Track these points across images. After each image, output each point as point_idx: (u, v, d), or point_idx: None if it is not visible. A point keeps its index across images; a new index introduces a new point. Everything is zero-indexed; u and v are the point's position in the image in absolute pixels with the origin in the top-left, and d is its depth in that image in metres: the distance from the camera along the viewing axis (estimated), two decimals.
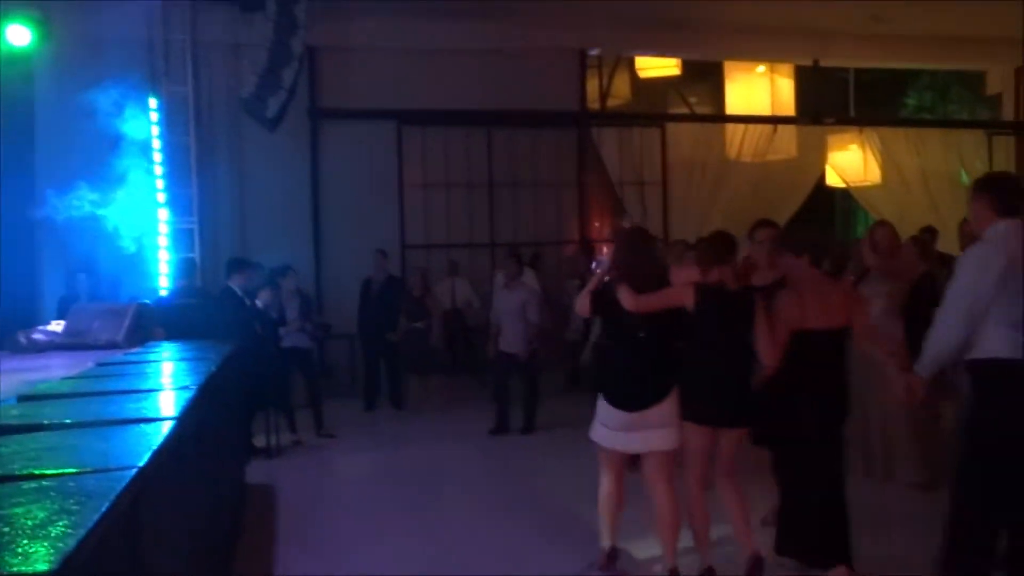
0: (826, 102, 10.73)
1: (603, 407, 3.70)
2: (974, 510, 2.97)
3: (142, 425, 2.03)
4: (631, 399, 3.63)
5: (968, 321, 3.07)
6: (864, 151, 10.54)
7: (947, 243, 9.78)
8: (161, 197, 7.93)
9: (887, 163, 10.72)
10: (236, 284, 6.67)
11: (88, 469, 1.51)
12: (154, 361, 4.13)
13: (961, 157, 11.26)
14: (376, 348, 8.47)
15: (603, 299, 3.71)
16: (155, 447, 1.70)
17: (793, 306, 3.56)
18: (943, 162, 11.13)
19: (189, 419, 2.31)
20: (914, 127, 11.43)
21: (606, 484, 3.82)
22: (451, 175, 9.64)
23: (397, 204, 9.47)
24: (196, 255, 8.24)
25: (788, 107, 10.39)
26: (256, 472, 5.76)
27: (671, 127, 10.39)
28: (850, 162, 10.65)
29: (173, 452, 1.95)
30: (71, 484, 1.39)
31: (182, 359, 4.11)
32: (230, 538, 4.05)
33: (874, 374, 4.23)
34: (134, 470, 1.49)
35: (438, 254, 9.50)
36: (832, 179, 10.93)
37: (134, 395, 2.62)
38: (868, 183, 10.68)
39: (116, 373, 3.42)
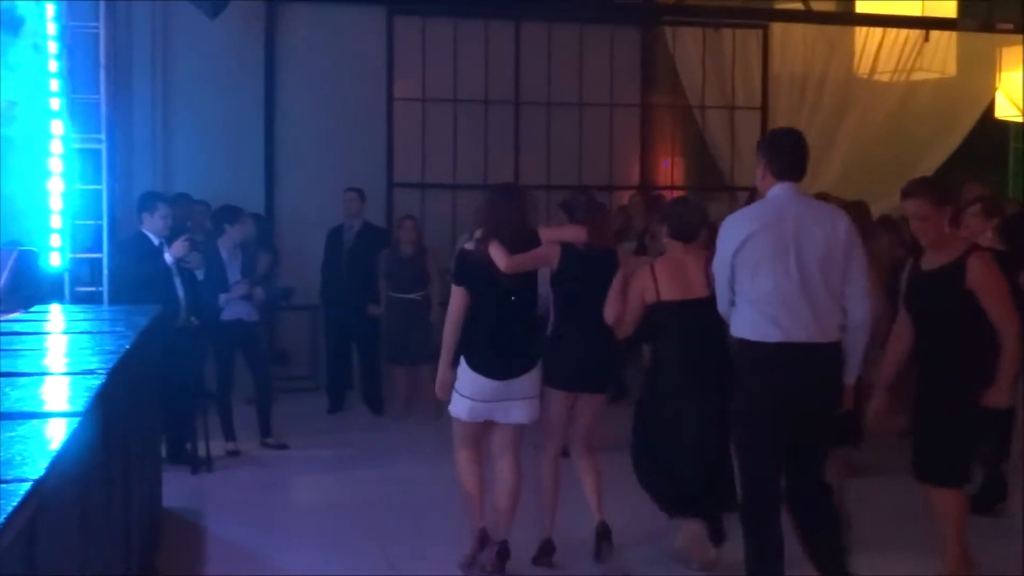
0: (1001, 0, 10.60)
1: (465, 375, 4.63)
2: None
3: (33, 422, 2.10)
4: (501, 367, 4.59)
5: (725, 295, 4.14)
6: None
7: None
8: (55, 104, 8.01)
9: None
10: (151, 229, 6.76)
11: None
12: (44, 332, 4.22)
13: None
14: (346, 326, 8.57)
15: (470, 258, 4.68)
16: (55, 453, 1.77)
17: (647, 276, 4.71)
18: None
19: (96, 416, 2.39)
20: None
21: (464, 462, 4.79)
22: (462, 87, 9.67)
23: (383, 126, 9.53)
24: (102, 186, 8.34)
25: (946, 6, 10.26)
26: (176, 492, 5.89)
27: (777, 29, 10.34)
28: None
29: (78, 461, 2.02)
30: None
31: (83, 331, 4.19)
32: None
33: None
34: (29, 483, 1.56)
35: (439, 197, 9.55)
36: (1006, 110, 10.83)
37: (20, 379, 2.70)
38: None
39: None
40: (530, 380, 4.64)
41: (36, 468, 1.66)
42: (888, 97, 10.45)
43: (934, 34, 10.05)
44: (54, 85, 8.18)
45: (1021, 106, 10.70)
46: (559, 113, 9.87)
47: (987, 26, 10.32)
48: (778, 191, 4.07)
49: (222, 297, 7.08)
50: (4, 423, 2.07)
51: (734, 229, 4.09)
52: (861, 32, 10.29)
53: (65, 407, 2.28)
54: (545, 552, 4.86)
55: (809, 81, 10.42)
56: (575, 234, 4.83)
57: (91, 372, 2.81)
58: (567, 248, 4.76)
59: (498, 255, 4.56)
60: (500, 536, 4.71)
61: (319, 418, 8.31)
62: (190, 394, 6.74)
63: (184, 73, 9.00)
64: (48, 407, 2.29)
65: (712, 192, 10.29)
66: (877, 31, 10.07)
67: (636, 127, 10.16)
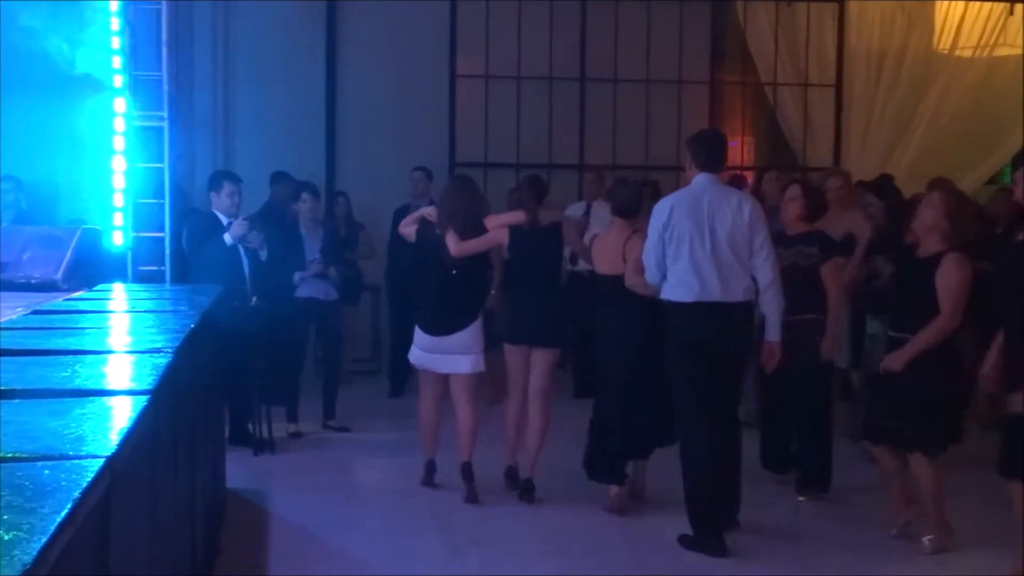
0: None
1: (416, 330, 6.02)
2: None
3: (102, 400, 2.12)
4: (434, 325, 5.92)
5: (653, 266, 5.17)
6: None
7: None
8: (118, 81, 8.11)
9: None
10: (219, 208, 6.85)
11: (39, 455, 1.59)
12: (109, 311, 4.28)
13: None
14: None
15: (426, 233, 5.95)
16: (127, 430, 1.78)
17: (588, 251, 5.88)
18: None
19: (165, 395, 2.40)
20: None
21: (422, 403, 6.19)
22: (526, 64, 9.65)
23: (446, 105, 9.54)
24: (165, 164, 8.44)
25: None
26: (240, 473, 5.96)
27: (854, 3, 10.18)
28: None
29: (147, 439, 2.03)
30: (19, 476, 1.47)
31: (148, 310, 4.24)
32: (206, 561, 4.22)
33: None
34: (102, 460, 1.56)
35: (502, 176, 9.54)
36: None
37: (86, 358, 2.73)
38: None
39: (58, 325, 3.56)
40: (464, 337, 5.86)
41: (107, 445, 1.67)
42: (970, 73, 10.22)
43: (1019, 8, 9.84)
44: (116, 62, 8.27)
45: None
46: (625, 90, 9.82)
47: None
48: (700, 179, 5.16)
49: (297, 275, 7.14)
50: (74, 401, 2.09)
51: (661, 211, 5.14)
52: (942, 6, 10.13)
53: (132, 386, 2.29)
54: (510, 476, 6.07)
55: (886, 57, 10.21)
56: (516, 217, 5.97)
57: (157, 351, 2.83)
58: (514, 229, 5.89)
59: (450, 242, 5.82)
60: (464, 459, 5.94)
61: (380, 402, 8.38)
62: (253, 376, 6.82)
63: (245, 51, 9.08)
64: (116, 385, 2.30)
65: (786, 172, 10.13)
66: (959, 5, 9.91)
67: (705, 105, 10.05)
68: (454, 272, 5.87)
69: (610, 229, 5.77)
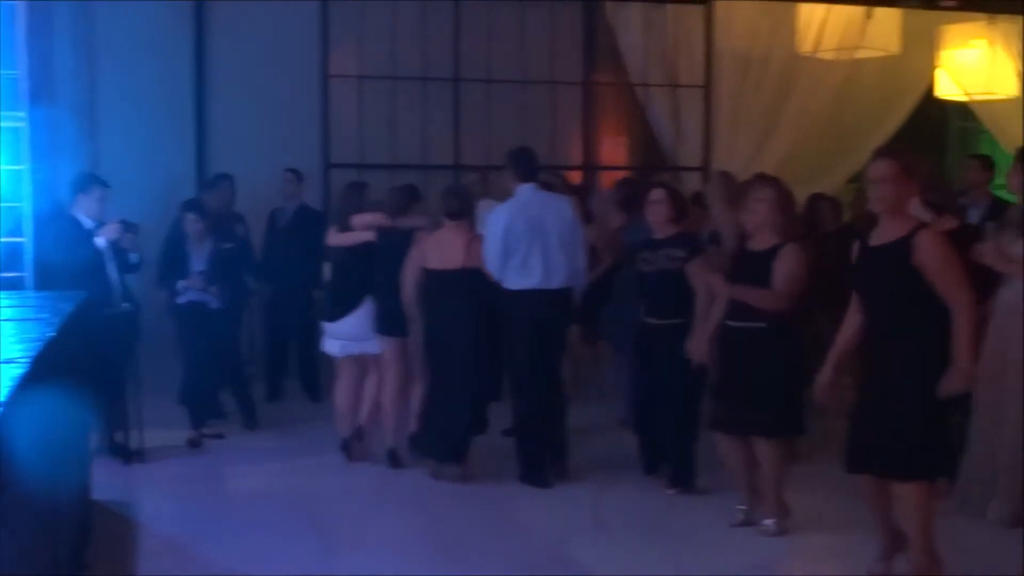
0: None
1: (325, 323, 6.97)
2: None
3: None
4: (329, 311, 6.93)
5: (496, 261, 6.26)
6: (994, 50, 10.58)
7: None
8: None
9: None
10: (85, 211, 6.69)
11: None
12: None
13: None
14: (285, 311, 8.50)
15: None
16: None
17: (417, 248, 6.51)
18: None
19: (20, 406, 2.34)
20: None
21: (339, 384, 6.93)
22: (399, 64, 9.60)
23: (318, 105, 9.45)
24: (25, 166, 8.18)
25: None
26: (108, 484, 5.81)
27: (721, 6, 10.37)
28: (973, 65, 10.69)
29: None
30: None
31: (6, 319, 4.11)
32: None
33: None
34: None
35: (377, 177, 9.46)
36: (946, 89, 10.98)
37: None
38: (997, 96, 10.75)
39: None
40: (351, 322, 6.72)
41: None
42: (832, 75, 10.51)
43: (877, 12, 10.13)
44: None
45: (963, 85, 10.85)
46: (500, 91, 9.84)
47: (929, 3, 10.45)
48: (525, 189, 6.41)
49: (180, 283, 7.05)
50: None
51: (499, 218, 6.34)
52: (805, 9, 10.34)
53: None
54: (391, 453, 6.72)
55: (753, 59, 10.43)
56: (376, 219, 6.73)
57: (13, 361, 2.75)
58: (379, 230, 6.68)
59: (329, 234, 6.95)
60: (348, 432, 6.81)
61: (256, 406, 8.26)
62: (122, 383, 6.65)
63: (110, 48, 8.81)
64: None
65: (657, 171, 10.31)
66: (820, 8, 10.13)
67: (579, 105, 10.15)
68: (343, 265, 6.88)
69: (445, 229, 6.48)
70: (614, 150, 10.74)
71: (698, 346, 5.87)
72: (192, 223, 7.22)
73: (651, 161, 10.60)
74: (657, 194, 6.27)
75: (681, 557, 5.22)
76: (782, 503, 5.46)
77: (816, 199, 9.50)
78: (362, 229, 6.71)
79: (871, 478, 4.66)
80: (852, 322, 4.74)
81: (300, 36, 9.34)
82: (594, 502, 6.04)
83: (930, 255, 4.39)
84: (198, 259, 7.21)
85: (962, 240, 5.26)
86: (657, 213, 6.16)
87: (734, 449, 5.53)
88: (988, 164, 7.17)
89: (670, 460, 6.26)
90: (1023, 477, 5.58)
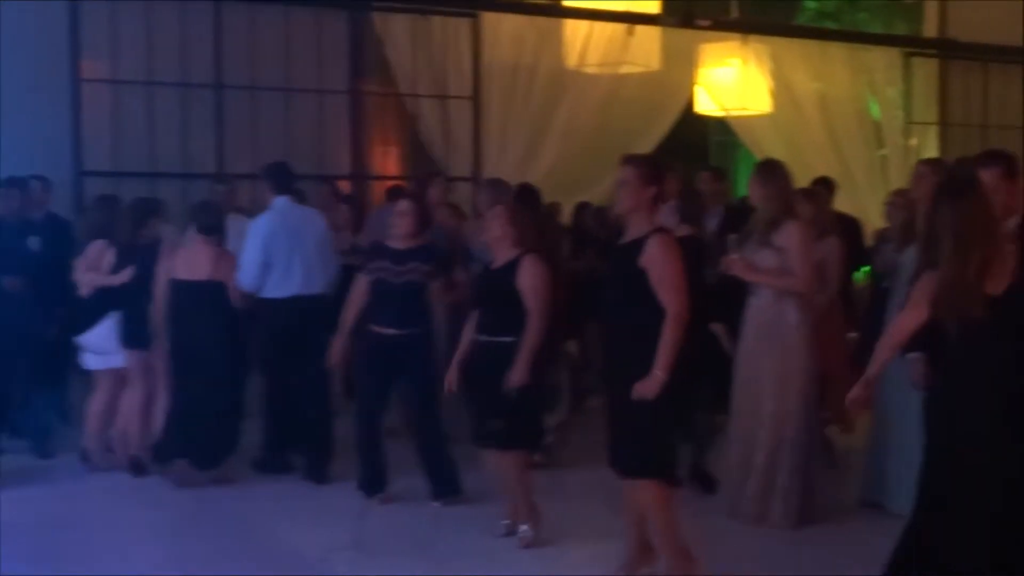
0: None
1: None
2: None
3: None
4: (75, 325, 6.96)
5: (254, 271, 6.64)
6: (748, 68, 11.08)
7: (854, 198, 10.52)
8: None
9: (778, 85, 11.34)
10: None
11: None
12: None
13: (872, 82, 12.15)
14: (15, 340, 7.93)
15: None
16: None
17: (166, 260, 6.71)
18: (849, 87, 11.96)
19: None
20: (814, 39, 12.17)
21: (95, 396, 6.98)
22: (156, 69, 9.26)
23: (68, 110, 8.99)
24: None
25: (651, 2, 10.68)
26: None
27: (488, 19, 10.47)
28: (729, 82, 11.16)
29: None
30: None
31: None
32: None
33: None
34: None
35: (136, 186, 9.08)
36: (705, 105, 11.42)
37: None
38: (751, 111, 11.26)
39: None
40: (100, 334, 6.80)
41: None
42: (597, 89, 10.77)
43: (638, 29, 10.45)
44: None
45: (720, 101, 11.33)
46: (265, 98, 9.62)
47: (686, 22, 10.88)
48: (281, 202, 6.86)
49: None
50: None
51: (261, 228, 6.74)
52: (570, 24, 10.56)
53: None
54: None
55: (520, 72, 10.58)
56: (95, 278, 6.93)
57: None
58: (123, 246, 6.89)
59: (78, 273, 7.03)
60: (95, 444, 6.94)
61: None
62: None
63: None
64: None
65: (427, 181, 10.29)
66: (584, 23, 10.37)
67: (347, 114, 10.03)
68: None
69: (195, 243, 6.71)
70: (385, 160, 10.67)
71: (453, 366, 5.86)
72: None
73: (422, 170, 10.57)
74: (403, 205, 6.25)
75: (446, 571, 5.22)
76: (534, 509, 5.49)
77: (582, 208, 9.73)
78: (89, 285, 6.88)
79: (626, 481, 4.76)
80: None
81: (50, 38, 8.85)
82: (359, 517, 5.93)
83: (653, 259, 4.51)
84: None
85: (690, 249, 5.40)
86: (403, 225, 6.13)
87: (493, 459, 5.56)
88: (721, 175, 7.51)
89: (428, 472, 6.24)
90: (800, 479, 5.80)
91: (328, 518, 6.02)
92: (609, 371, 4.76)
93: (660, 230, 4.65)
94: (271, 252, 6.67)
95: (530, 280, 5.31)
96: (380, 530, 5.80)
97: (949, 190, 4.12)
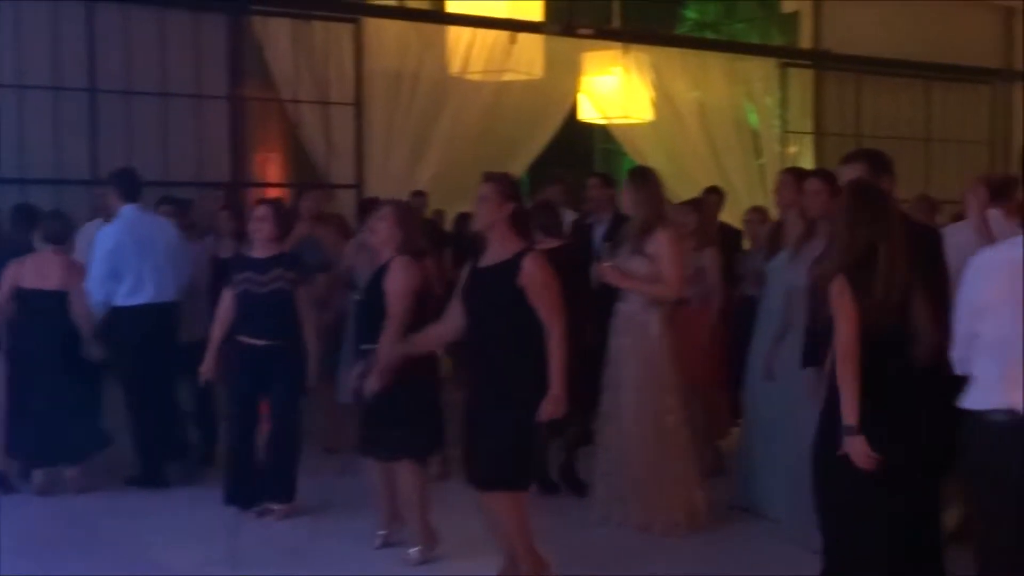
0: (583, 6, 11.32)
1: None
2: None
3: None
4: None
5: (101, 279, 6.70)
6: (629, 76, 11.24)
7: (733, 207, 10.75)
8: None
9: (659, 94, 11.52)
10: None
11: None
12: None
13: (750, 92, 12.44)
14: None
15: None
16: None
17: (13, 267, 6.64)
18: (727, 96, 12.23)
19: None
20: (694, 49, 12.41)
21: None
22: (27, 71, 8.99)
23: None
24: None
25: (534, 10, 10.76)
26: None
27: (371, 24, 10.42)
28: (611, 90, 11.32)
29: None
30: None
31: None
32: None
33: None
34: None
35: (3, 193, 8.82)
36: (588, 112, 11.56)
37: None
38: (633, 119, 11.43)
39: None
40: None
41: None
42: (480, 97, 10.81)
43: (522, 36, 10.52)
44: None
45: (602, 109, 11.47)
46: (141, 103, 9.41)
47: (568, 31, 10.99)
48: (128, 209, 6.83)
49: None
50: None
51: (108, 238, 6.74)
52: (453, 31, 10.57)
53: None
54: None
55: (403, 78, 10.55)
56: None
57: None
58: None
59: None
60: None
61: None
62: None
63: None
64: None
65: (309, 189, 10.20)
66: (467, 31, 10.39)
67: (226, 120, 9.87)
68: None
69: (45, 251, 6.66)
70: (266, 167, 10.54)
71: (313, 368, 5.93)
72: None
73: (306, 178, 10.49)
74: (262, 211, 6.17)
75: None
76: (428, 529, 5.42)
77: (464, 218, 9.74)
78: None
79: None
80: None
81: None
82: (232, 531, 5.86)
83: (530, 278, 4.57)
84: None
85: (561, 259, 5.50)
86: (262, 231, 6.06)
87: (376, 472, 5.51)
88: (608, 182, 7.61)
89: (271, 475, 6.22)
90: (670, 484, 5.89)
91: (202, 533, 5.94)
92: (476, 387, 4.78)
93: (531, 249, 4.71)
94: (119, 262, 6.72)
95: (393, 284, 5.23)
96: (254, 543, 5.75)
97: (867, 199, 4.10)
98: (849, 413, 3.87)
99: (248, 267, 6.06)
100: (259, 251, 6.08)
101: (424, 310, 5.30)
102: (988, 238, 4.51)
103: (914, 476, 4.07)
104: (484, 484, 4.71)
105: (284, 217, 6.32)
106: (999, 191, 5.00)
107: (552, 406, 4.57)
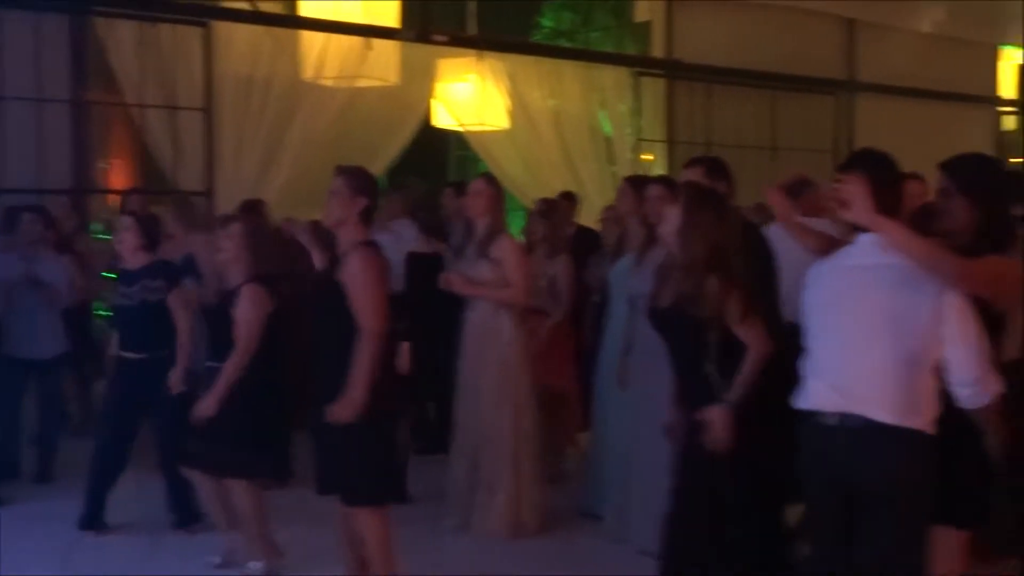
0: (438, 13, 11.33)
1: None
2: None
3: None
4: None
5: None
6: (484, 84, 11.30)
7: (587, 213, 10.89)
8: None
9: (514, 102, 11.61)
10: None
11: None
12: None
13: (603, 99, 12.64)
14: None
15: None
16: None
17: None
18: (581, 104, 12.40)
19: None
20: (549, 57, 12.54)
21: None
22: None
23: None
24: None
25: (389, 15, 10.73)
26: None
27: (220, 28, 10.21)
28: (467, 97, 11.36)
29: None
30: None
31: None
32: None
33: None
34: None
35: None
36: (443, 119, 11.57)
37: None
38: (489, 126, 11.49)
39: None
40: None
41: None
42: (334, 102, 10.68)
43: (377, 42, 10.47)
44: None
45: (458, 116, 11.50)
46: None
47: (424, 37, 10.99)
48: None
49: None
50: None
51: None
52: (306, 36, 10.46)
53: None
54: None
55: (255, 83, 10.36)
56: None
57: None
58: None
59: None
60: None
61: None
62: None
63: None
64: None
65: (156, 195, 9.97)
66: (320, 36, 10.29)
67: (69, 124, 9.55)
68: None
69: None
70: (111, 173, 10.25)
71: (179, 377, 5.76)
72: None
73: (152, 184, 10.23)
74: (126, 222, 6.05)
75: None
76: (270, 544, 5.35)
77: (316, 226, 9.62)
78: None
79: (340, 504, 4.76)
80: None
81: None
82: (68, 548, 5.69)
83: (351, 276, 4.48)
84: None
85: (434, 265, 5.53)
86: (127, 241, 5.93)
87: (205, 482, 5.42)
88: (463, 191, 7.60)
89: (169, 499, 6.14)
90: (526, 490, 5.97)
91: (43, 551, 5.74)
92: (315, 393, 4.73)
93: (364, 244, 4.62)
94: None
95: (242, 314, 5.16)
96: (91, 562, 5.57)
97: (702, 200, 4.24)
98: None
99: (120, 280, 5.93)
100: (127, 263, 5.93)
101: (277, 332, 5.29)
102: (800, 240, 4.63)
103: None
104: (348, 500, 4.64)
105: (148, 226, 6.13)
106: (794, 192, 5.15)
107: (344, 409, 4.42)
